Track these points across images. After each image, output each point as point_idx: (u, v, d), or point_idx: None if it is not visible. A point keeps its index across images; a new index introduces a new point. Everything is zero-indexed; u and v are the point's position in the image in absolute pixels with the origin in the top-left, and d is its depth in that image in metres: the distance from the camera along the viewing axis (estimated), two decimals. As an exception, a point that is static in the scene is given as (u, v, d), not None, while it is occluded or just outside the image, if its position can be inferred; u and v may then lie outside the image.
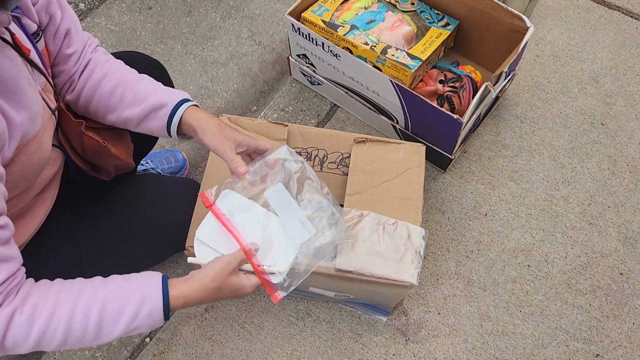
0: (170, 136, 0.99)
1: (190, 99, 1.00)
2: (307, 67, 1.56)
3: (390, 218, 1.19)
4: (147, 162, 1.54)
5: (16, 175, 0.81)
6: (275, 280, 0.90)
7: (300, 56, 1.53)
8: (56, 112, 0.93)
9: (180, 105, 0.96)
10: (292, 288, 0.91)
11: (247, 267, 0.89)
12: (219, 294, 0.85)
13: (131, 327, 0.79)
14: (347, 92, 1.52)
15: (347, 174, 1.25)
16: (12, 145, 0.76)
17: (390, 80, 1.31)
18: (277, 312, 1.34)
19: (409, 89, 1.30)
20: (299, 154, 1.30)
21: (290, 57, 1.58)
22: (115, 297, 0.78)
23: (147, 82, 1.01)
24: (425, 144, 1.28)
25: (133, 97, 0.98)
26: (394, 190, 1.22)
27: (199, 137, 0.95)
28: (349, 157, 1.29)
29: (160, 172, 1.54)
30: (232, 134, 0.94)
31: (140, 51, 1.76)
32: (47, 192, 1.00)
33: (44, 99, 0.88)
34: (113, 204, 1.15)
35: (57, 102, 0.94)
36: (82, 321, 0.76)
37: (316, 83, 1.60)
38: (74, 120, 0.97)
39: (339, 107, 1.62)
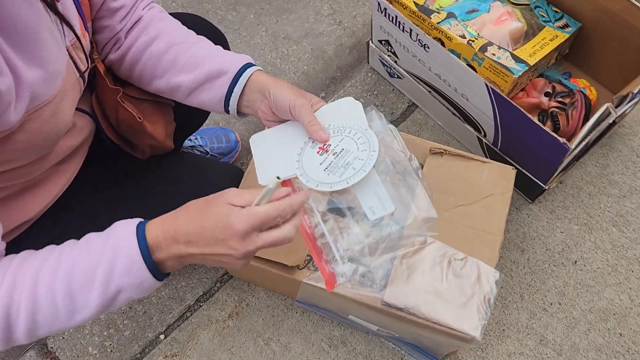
0: (227, 112, 0.83)
1: (254, 62, 0.83)
2: (389, 56, 1.35)
3: (459, 251, 0.98)
4: (196, 139, 1.41)
5: (25, 144, 0.67)
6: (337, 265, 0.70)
7: (383, 42, 1.32)
8: (86, 75, 0.79)
9: (244, 71, 0.80)
10: (356, 274, 0.71)
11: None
12: (205, 223, 0.60)
13: (109, 290, 0.60)
14: (430, 91, 1.30)
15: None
16: (19, 107, 0.62)
17: (486, 84, 1.08)
18: (309, 334, 1.16)
19: (506, 98, 1.06)
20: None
21: (370, 42, 1.38)
22: (84, 258, 0.61)
23: (205, 45, 0.86)
24: (515, 167, 1.05)
25: (187, 61, 0.83)
26: (469, 217, 1.01)
27: (270, 93, 0.78)
28: (420, 169, 1.08)
29: (208, 150, 1.40)
30: (308, 94, 0.78)
31: (210, 17, 1.62)
32: (69, 163, 0.87)
33: (72, 58, 0.73)
34: (144, 186, 1.01)
35: (89, 63, 0.79)
36: (48, 291, 0.59)
37: (396, 76, 1.38)
38: (110, 86, 0.83)
39: (417, 107, 1.40)
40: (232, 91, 0.81)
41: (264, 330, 1.17)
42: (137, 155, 0.98)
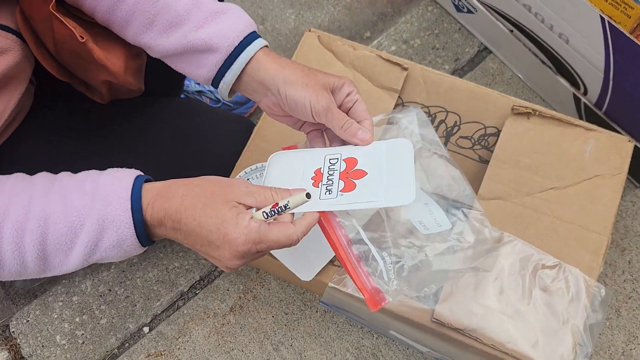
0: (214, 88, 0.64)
1: (255, 28, 0.61)
2: (458, -19, 1.02)
3: (549, 255, 0.70)
4: (205, 82, 1.14)
5: None
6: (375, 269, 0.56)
7: (451, -38, 1.00)
8: None
9: (243, 51, 0.59)
10: (402, 295, 0.57)
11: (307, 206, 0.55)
12: (205, 220, 0.52)
13: (91, 259, 0.55)
14: (512, 30, 0.97)
15: (487, 162, 0.76)
16: None
17: (602, 18, 0.76)
18: (331, 340, 0.90)
19: (630, 37, 0.74)
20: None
21: (434, -38, 1.05)
22: (61, 214, 0.52)
23: None
24: (628, 138, 0.75)
25: (156, 13, 0.60)
26: (564, 207, 0.75)
27: (280, 92, 0.59)
28: (496, 134, 0.79)
29: (220, 98, 1.13)
30: (324, 78, 0.59)
31: None
32: None
33: None
34: (113, 139, 0.80)
35: None
36: (15, 250, 0.52)
37: (465, 9, 1.06)
38: None
39: (490, 52, 1.08)
40: (224, 75, 0.60)
41: (273, 331, 0.91)
42: (95, 99, 0.75)
